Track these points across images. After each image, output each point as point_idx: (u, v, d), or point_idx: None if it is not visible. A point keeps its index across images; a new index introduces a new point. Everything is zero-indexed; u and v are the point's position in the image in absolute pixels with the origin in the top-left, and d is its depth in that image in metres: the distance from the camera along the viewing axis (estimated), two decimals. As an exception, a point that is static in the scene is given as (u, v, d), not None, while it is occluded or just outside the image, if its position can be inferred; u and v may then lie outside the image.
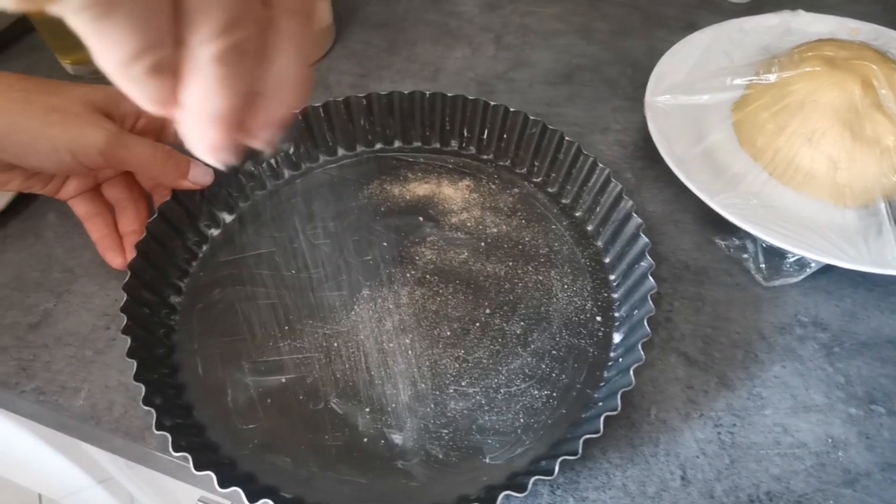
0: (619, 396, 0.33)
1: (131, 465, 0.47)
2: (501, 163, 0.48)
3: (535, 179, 0.47)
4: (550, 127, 0.45)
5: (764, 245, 0.42)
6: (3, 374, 0.38)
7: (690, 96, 0.49)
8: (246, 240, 0.43)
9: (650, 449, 0.36)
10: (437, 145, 0.49)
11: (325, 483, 0.33)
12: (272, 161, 0.46)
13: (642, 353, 0.34)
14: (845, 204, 0.43)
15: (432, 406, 0.36)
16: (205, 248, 0.43)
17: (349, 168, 0.48)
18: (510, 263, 0.42)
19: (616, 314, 0.40)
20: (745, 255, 0.43)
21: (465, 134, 0.48)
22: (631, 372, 0.33)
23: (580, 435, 0.32)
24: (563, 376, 0.37)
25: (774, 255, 0.42)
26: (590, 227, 0.44)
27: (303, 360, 0.38)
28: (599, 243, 0.43)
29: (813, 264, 0.41)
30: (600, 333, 0.39)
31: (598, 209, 0.43)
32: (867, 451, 0.36)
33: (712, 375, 0.39)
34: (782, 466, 0.35)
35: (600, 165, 0.43)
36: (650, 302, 0.36)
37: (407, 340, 0.39)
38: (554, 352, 0.38)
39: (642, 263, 0.38)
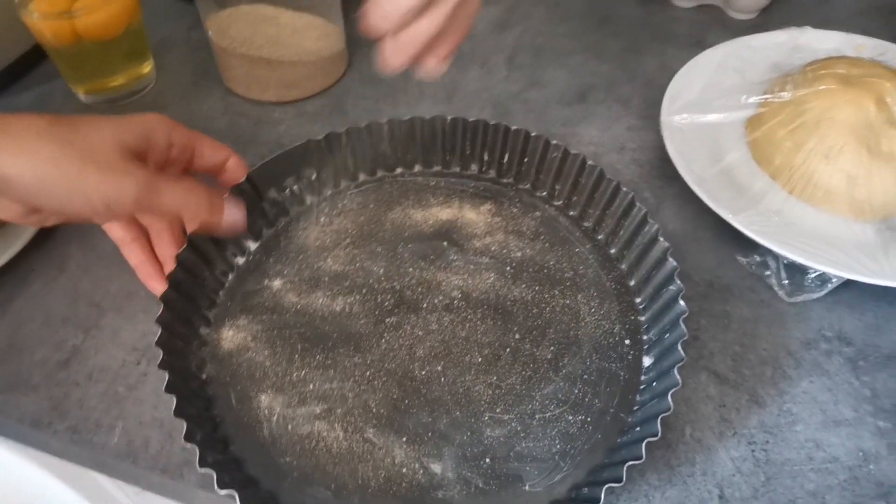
0: (658, 422, 0.33)
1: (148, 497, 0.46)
2: (522, 186, 0.48)
3: (556, 203, 0.47)
4: (572, 152, 0.45)
5: (785, 262, 0.43)
6: (35, 414, 0.38)
7: (705, 115, 0.49)
8: (271, 268, 0.43)
9: (687, 469, 0.36)
10: (458, 169, 0.49)
11: None
12: (294, 188, 0.46)
13: (678, 377, 0.34)
14: (864, 219, 0.44)
15: (468, 434, 0.36)
16: (231, 276, 0.43)
17: (370, 192, 0.48)
18: (536, 287, 0.43)
19: (645, 337, 0.40)
20: (768, 272, 0.44)
21: (486, 158, 0.49)
22: (669, 397, 0.34)
23: (620, 461, 0.32)
24: (597, 401, 0.38)
25: (796, 272, 0.43)
26: (613, 251, 0.44)
27: (335, 389, 0.38)
28: (624, 266, 0.43)
29: (834, 279, 0.42)
30: (630, 357, 0.39)
31: (621, 232, 0.44)
32: (898, 463, 0.37)
33: (743, 393, 0.39)
34: (817, 482, 0.36)
35: (623, 189, 0.43)
36: (682, 326, 0.36)
37: (438, 368, 0.39)
38: (585, 376, 0.39)
39: (671, 287, 0.39)
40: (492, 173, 0.49)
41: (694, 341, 0.41)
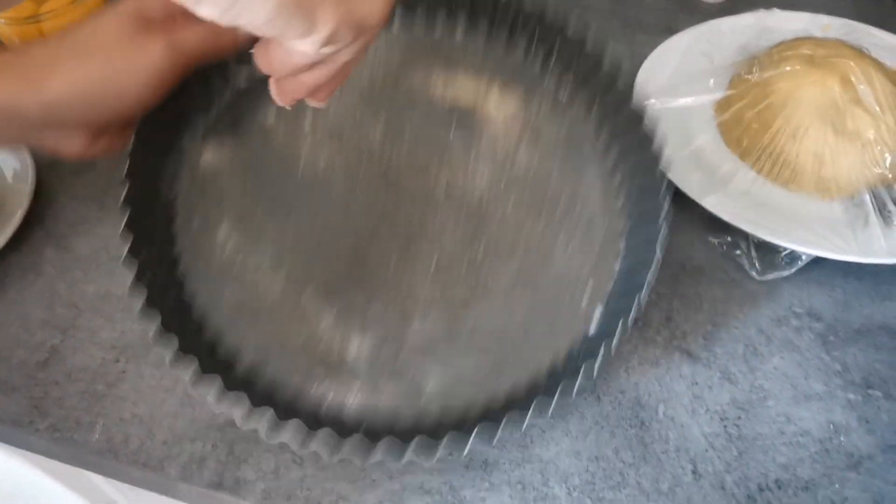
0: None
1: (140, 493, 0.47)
2: (563, 88, 0.41)
3: (590, 116, 0.40)
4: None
5: (756, 241, 0.44)
6: (16, 414, 0.38)
7: (674, 99, 0.50)
8: (256, 113, 0.41)
9: (661, 446, 0.37)
10: (504, 38, 0.41)
11: (280, 366, 0.35)
12: None
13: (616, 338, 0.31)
14: (832, 197, 0.45)
15: (393, 330, 0.36)
16: (228, 94, 0.40)
17: (400, 40, 0.42)
18: (523, 210, 0.39)
19: (608, 301, 0.37)
20: (739, 252, 0.44)
21: (536, 40, 0.40)
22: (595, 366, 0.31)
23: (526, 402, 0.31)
24: (526, 347, 0.36)
25: (766, 251, 0.44)
26: (620, 203, 0.39)
27: (289, 243, 0.38)
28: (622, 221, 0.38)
29: (804, 257, 0.43)
30: (580, 310, 0.37)
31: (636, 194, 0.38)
32: (868, 434, 0.37)
33: (715, 371, 0.40)
34: (788, 455, 0.37)
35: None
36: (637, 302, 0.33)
37: (392, 257, 0.38)
38: (530, 314, 0.37)
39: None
40: (538, 60, 0.41)
41: (667, 322, 0.42)
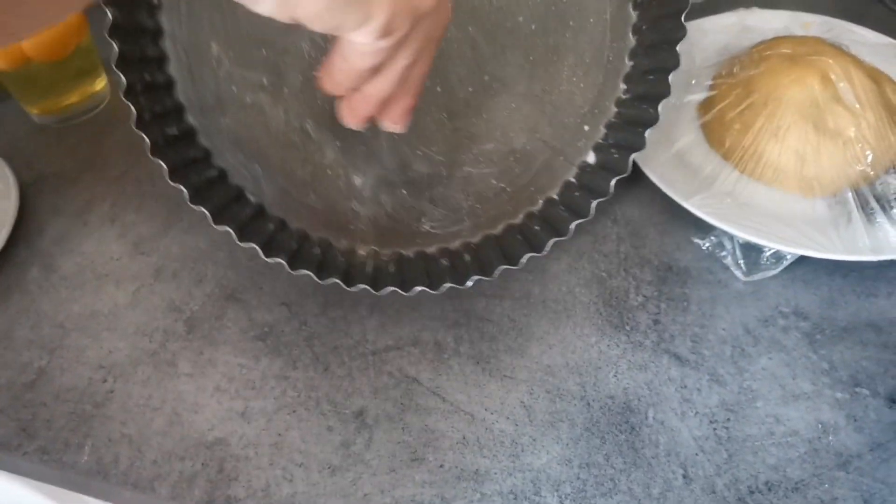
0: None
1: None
2: None
3: None
4: None
5: (741, 241, 0.44)
6: (3, 437, 0.38)
7: (658, 101, 0.50)
8: None
9: (651, 451, 0.37)
10: None
11: (287, 200, 0.35)
12: None
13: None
14: (814, 195, 0.45)
15: (397, 160, 0.36)
16: None
17: None
18: (534, 26, 0.38)
19: (604, 135, 0.39)
20: (724, 253, 0.44)
21: None
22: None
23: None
24: (524, 178, 0.37)
25: (751, 251, 0.44)
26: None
27: (288, 65, 0.36)
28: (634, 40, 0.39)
29: (789, 256, 0.43)
30: (579, 147, 0.38)
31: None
32: (856, 433, 0.38)
33: (703, 373, 0.40)
34: (778, 456, 0.37)
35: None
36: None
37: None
38: (528, 148, 0.37)
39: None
40: None
41: (655, 325, 0.42)
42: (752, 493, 0.35)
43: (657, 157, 0.47)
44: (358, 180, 0.35)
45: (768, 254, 0.43)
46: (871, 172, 0.45)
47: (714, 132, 0.48)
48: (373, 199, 0.35)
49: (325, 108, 0.35)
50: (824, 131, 0.44)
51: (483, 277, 0.36)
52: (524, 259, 0.36)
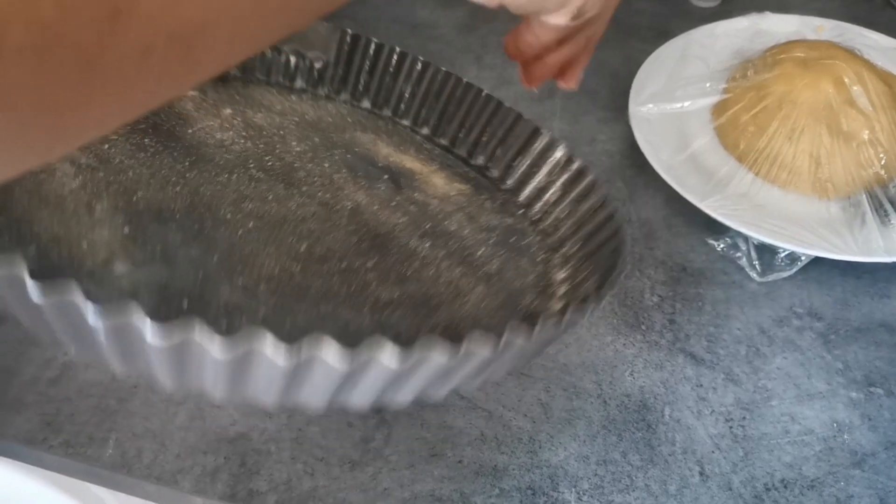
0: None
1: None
2: (502, 186, 0.40)
3: (534, 221, 0.38)
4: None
5: (755, 242, 0.44)
6: (29, 431, 0.39)
7: (672, 104, 0.51)
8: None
9: (668, 448, 0.37)
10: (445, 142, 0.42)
11: None
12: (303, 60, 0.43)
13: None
14: (829, 197, 0.46)
15: (200, 275, 0.28)
16: None
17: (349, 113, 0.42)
18: (440, 253, 0.33)
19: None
20: (738, 254, 0.45)
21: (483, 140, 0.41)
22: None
23: None
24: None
25: (766, 252, 0.44)
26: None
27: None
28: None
29: (803, 257, 0.43)
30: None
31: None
32: (870, 431, 0.38)
33: (719, 372, 0.40)
34: (793, 454, 0.37)
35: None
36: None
37: (250, 224, 0.31)
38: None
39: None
40: (494, 173, 0.41)
41: (670, 325, 0.43)
42: (768, 490, 0.36)
43: (672, 160, 0.47)
44: (121, 268, 0.27)
45: (783, 255, 0.44)
46: (885, 175, 0.45)
47: (728, 135, 0.49)
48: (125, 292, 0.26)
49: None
50: (838, 134, 0.45)
51: None
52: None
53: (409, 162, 0.39)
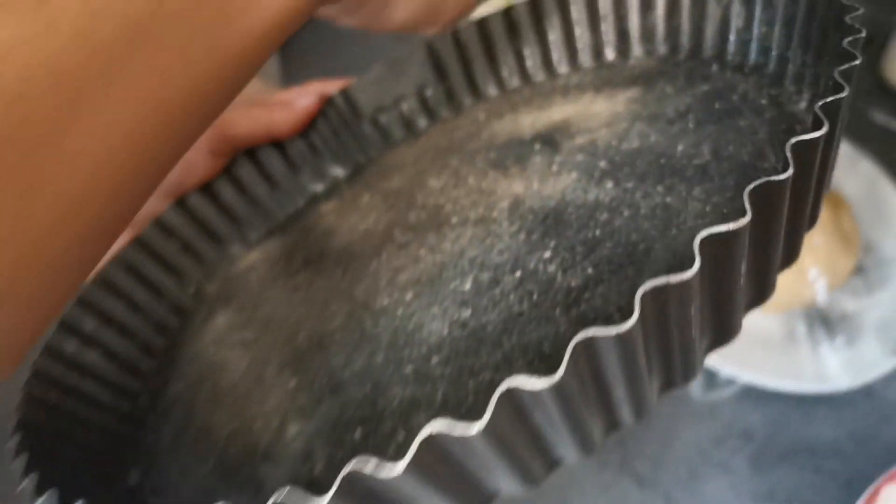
0: None
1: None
2: (697, 57, 0.33)
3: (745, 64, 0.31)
4: None
5: (700, 360, 0.47)
6: None
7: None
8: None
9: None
10: (612, 58, 0.37)
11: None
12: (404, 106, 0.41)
13: None
14: (767, 312, 0.49)
15: (368, 388, 0.25)
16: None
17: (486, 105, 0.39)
18: (630, 184, 0.27)
19: None
20: (684, 369, 0.48)
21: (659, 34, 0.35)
22: None
23: None
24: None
25: (707, 370, 0.48)
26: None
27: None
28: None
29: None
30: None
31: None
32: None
33: (659, 495, 0.44)
34: (720, 577, 0.42)
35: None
36: None
37: (407, 296, 0.28)
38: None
39: None
40: (661, 51, 0.35)
41: (620, 445, 0.46)
42: None
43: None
44: (293, 428, 0.24)
45: (724, 373, 0.47)
46: (820, 297, 0.48)
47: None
48: (299, 455, 0.24)
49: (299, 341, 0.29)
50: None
51: None
52: None
53: (557, 112, 0.35)
